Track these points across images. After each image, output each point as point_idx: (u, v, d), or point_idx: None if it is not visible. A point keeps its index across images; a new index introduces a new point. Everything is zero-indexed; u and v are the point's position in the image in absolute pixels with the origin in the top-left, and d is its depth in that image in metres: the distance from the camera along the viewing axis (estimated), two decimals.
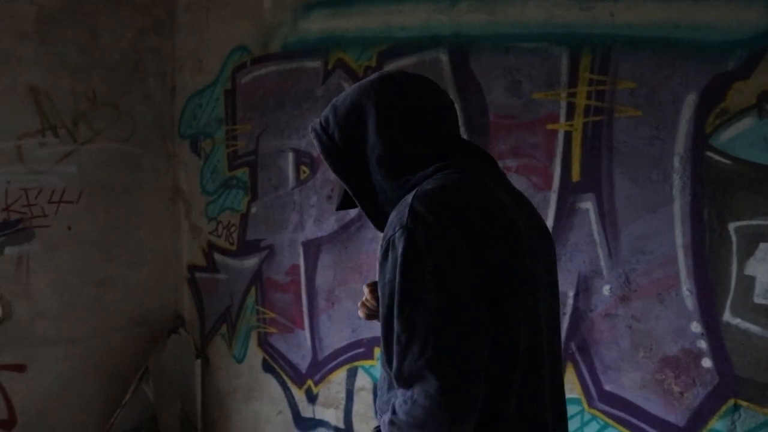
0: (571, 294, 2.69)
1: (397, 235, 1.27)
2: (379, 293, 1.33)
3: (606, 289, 2.62)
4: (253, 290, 3.84)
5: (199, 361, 4.08)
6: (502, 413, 1.30)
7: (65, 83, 3.81)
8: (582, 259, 2.67)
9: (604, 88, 2.59)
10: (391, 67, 3.19)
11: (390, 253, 1.28)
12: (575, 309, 2.69)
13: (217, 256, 4.04)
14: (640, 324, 2.54)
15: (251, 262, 3.83)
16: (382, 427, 1.35)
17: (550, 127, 2.73)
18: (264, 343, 3.82)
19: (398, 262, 1.26)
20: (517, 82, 2.80)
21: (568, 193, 2.70)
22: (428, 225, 1.25)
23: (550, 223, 2.70)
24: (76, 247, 3.88)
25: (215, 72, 3.96)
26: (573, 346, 2.70)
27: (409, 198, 1.31)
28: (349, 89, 1.52)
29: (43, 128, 3.77)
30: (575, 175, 2.67)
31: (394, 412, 1.28)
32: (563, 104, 2.69)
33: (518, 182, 2.67)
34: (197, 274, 4.19)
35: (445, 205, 1.28)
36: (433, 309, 1.22)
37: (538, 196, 2.73)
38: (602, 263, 2.62)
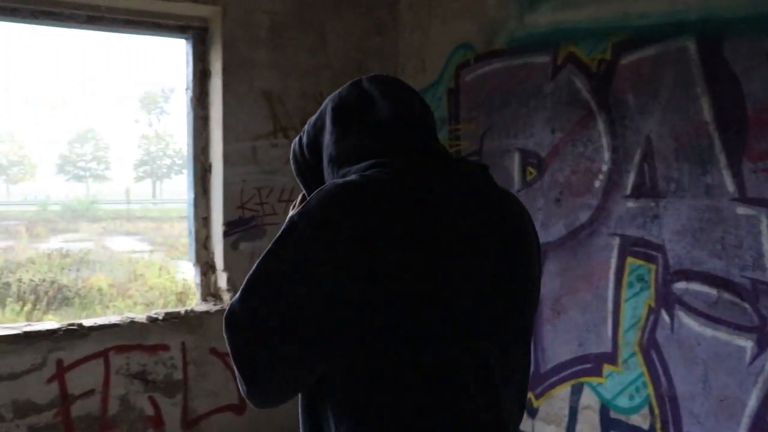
0: None
1: (289, 219, 1.26)
2: None
3: None
4: None
5: None
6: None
7: (295, 86, 3.95)
8: None
9: None
10: (630, 58, 2.92)
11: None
12: None
13: None
14: None
15: None
16: None
17: None
18: None
19: (282, 232, 1.23)
20: None
21: None
22: (308, 213, 1.22)
23: None
24: None
25: (438, 71, 3.90)
26: None
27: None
28: None
29: (275, 130, 3.94)
30: None
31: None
32: None
33: None
34: None
35: (335, 200, 1.22)
36: (280, 273, 1.20)
37: None
38: None
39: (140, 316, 3.69)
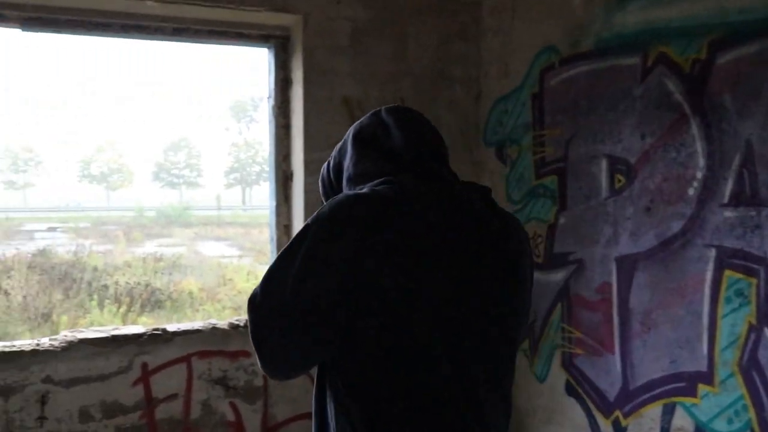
0: None
1: (305, 223, 1.45)
2: None
3: None
4: (558, 306, 3.59)
5: None
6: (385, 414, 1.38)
7: (375, 93, 3.92)
8: None
9: None
10: (728, 57, 2.74)
11: None
12: None
13: None
14: None
15: (558, 276, 3.58)
16: None
17: None
18: (568, 364, 3.55)
19: (298, 232, 1.43)
20: None
21: None
22: (320, 218, 1.42)
23: None
24: None
25: (522, 75, 3.78)
26: None
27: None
28: None
29: None
30: None
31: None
32: None
33: None
34: None
35: (343, 207, 1.42)
36: (292, 266, 1.39)
37: None
38: None
39: (222, 322, 3.75)
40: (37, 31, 3.64)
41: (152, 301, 11.23)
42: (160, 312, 10.81)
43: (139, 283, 11.83)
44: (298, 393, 3.77)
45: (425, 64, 4.03)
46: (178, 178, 56.63)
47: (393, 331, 1.37)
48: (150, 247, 18.25)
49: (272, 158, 4.10)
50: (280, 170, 4.05)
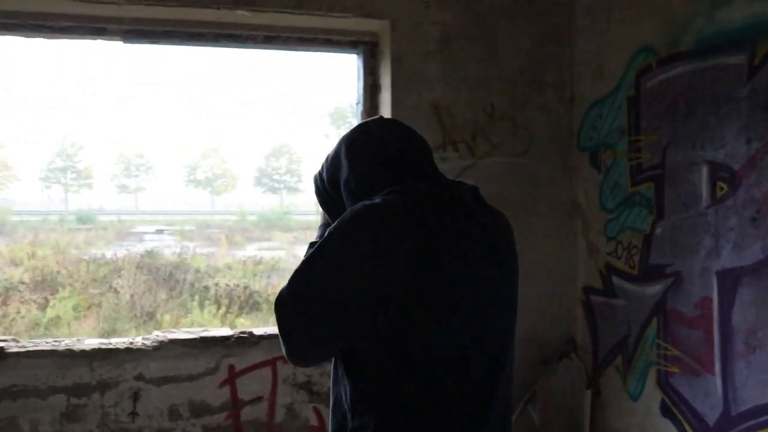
0: None
1: (328, 230, 1.59)
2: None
3: None
4: (654, 321, 3.39)
5: (589, 392, 3.76)
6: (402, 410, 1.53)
7: (464, 98, 3.85)
8: None
9: None
10: None
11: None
12: None
13: (616, 280, 3.68)
14: None
15: (654, 289, 3.38)
16: None
17: None
18: (664, 383, 3.34)
19: (322, 240, 1.59)
20: None
21: None
22: (341, 227, 1.56)
23: None
24: None
25: (617, 78, 3.61)
26: None
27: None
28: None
29: (444, 143, 3.85)
30: None
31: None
32: None
33: None
34: (593, 297, 3.88)
35: (361, 216, 1.55)
36: (317, 268, 1.56)
37: None
38: None
39: None
40: (137, 43, 3.78)
41: (250, 303, 11.51)
42: (257, 314, 11.07)
43: (238, 285, 12.16)
44: None
45: (516, 68, 3.92)
46: (279, 184, 58.03)
47: (407, 330, 1.51)
48: (250, 251, 18.75)
49: None
50: None
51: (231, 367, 3.57)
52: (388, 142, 1.72)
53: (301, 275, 1.57)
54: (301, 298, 1.56)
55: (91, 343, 3.53)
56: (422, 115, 3.80)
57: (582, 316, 3.97)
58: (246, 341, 3.60)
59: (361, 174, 1.69)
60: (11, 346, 3.40)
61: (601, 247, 3.79)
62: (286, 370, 3.63)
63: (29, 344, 3.48)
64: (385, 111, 3.87)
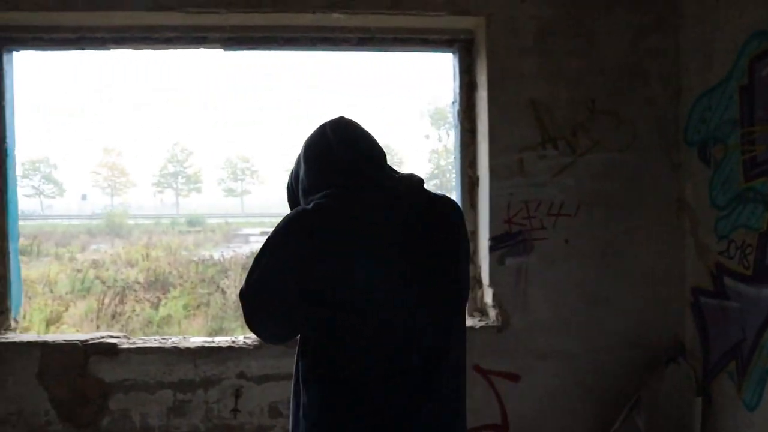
0: None
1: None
2: None
3: None
4: None
5: (700, 399, 3.57)
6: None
7: (563, 93, 3.75)
8: None
9: None
10: None
11: None
12: None
13: (728, 281, 3.48)
14: None
15: None
16: None
17: None
18: None
19: (264, 242, 1.83)
20: None
21: None
22: (277, 230, 1.81)
23: None
24: (573, 261, 3.78)
25: (727, 66, 3.41)
26: None
27: None
28: None
29: (543, 140, 3.77)
30: None
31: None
32: None
33: None
34: (702, 299, 3.69)
35: (292, 221, 1.80)
36: (260, 267, 1.79)
37: None
38: None
39: None
40: (236, 50, 3.90)
41: None
42: None
43: None
44: (481, 404, 3.71)
45: (617, 61, 3.78)
46: None
47: (342, 316, 1.74)
48: None
49: (458, 164, 4.07)
50: (465, 176, 4.01)
51: None
52: (335, 147, 1.90)
53: (248, 275, 1.82)
54: (256, 292, 1.80)
55: (195, 341, 3.69)
56: (520, 112, 3.73)
57: (691, 318, 3.78)
58: None
59: (311, 176, 1.91)
60: (123, 343, 3.60)
61: (711, 247, 3.60)
62: None
63: (139, 341, 3.67)
64: (482, 109, 3.83)
